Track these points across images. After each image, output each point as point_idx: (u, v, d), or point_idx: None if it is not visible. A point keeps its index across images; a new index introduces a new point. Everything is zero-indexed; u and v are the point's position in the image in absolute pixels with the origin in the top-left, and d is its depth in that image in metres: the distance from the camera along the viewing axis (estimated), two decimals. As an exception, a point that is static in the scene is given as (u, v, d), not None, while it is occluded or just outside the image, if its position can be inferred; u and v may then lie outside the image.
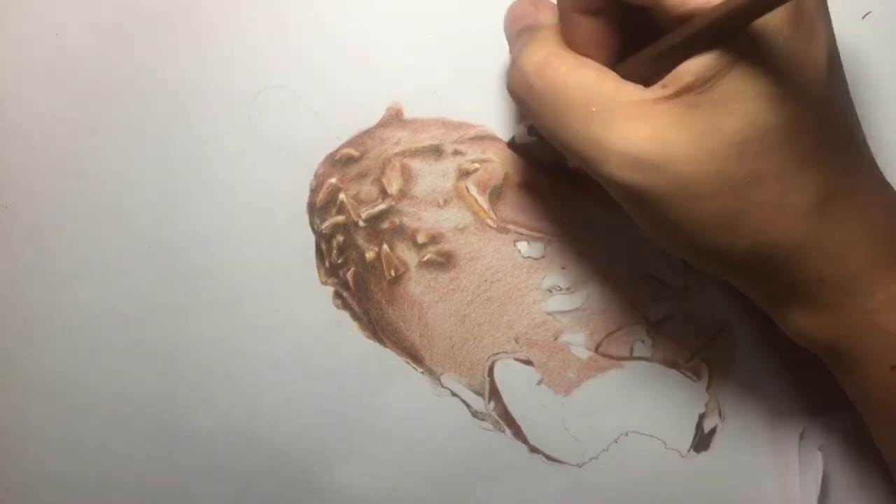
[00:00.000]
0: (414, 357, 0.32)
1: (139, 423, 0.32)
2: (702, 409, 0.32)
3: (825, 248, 0.24)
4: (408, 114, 0.32)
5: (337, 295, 0.32)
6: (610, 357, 0.32)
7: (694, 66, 0.22)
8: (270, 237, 0.32)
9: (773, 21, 0.22)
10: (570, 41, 0.25)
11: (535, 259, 0.32)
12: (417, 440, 0.32)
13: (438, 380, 0.32)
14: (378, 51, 0.31)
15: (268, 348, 0.32)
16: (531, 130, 0.30)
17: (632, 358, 0.32)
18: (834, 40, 0.24)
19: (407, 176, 0.32)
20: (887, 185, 0.26)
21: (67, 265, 0.32)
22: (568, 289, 0.32)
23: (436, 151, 0.32)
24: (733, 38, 0.22)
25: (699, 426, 0.32)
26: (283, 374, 0.32)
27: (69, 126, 0.32)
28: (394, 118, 0.32)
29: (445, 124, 0.32)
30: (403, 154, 0.32)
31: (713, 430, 0.32)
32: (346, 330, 0.32)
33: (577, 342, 0.32)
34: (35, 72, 0.32)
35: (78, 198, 0.32)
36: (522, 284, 0.32)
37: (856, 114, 0.25)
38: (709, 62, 0.22)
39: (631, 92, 0.23)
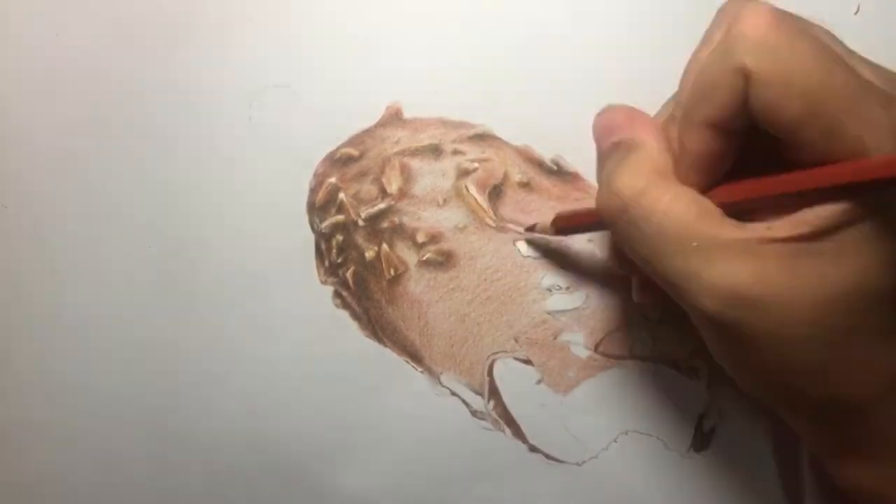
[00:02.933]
0: (413, 356, 0.32)
1: (139, 423, 0.32)
2: (701, 409, 0.32)
3: None
4: (407, 113, 0.32)
5: (336, 294, 0.32)
6: (609, 356, 0.32)
7: (817, 218, 0.21)
8: (270, 236, 0.32)
9: None
10: (685, 154, 0.24)
11: (535, 258, 0.32)
12: (417, 439, 0.32)
13: (438, 379, 0.32)
14: (378, 51, 0.32)
15: (268, 348, 0.32)
16: (560, 229, 0.30)
17: (631, 357, 0.32)
18: None
19: (406, 175, 0.32)
20: None
21: (67, 265, 0.32)
22: (567, 288, 0.32)
23: (435, 151, 0.32)
24: (868, 195, 0.21)
25: (699, 425, 0.32)
26: (283, 373, 0.32)
27: (69, 126, 0.32)
28: (393, 117, 0.32)
29: (445, 124, 0.32)
30: (403, 153, 0.32)
31: (713, 430, 0.32)
32: (346, 329, 0.32)
33: (577, 341, 0.32)
34: (35, 72, 0.32)
35: (78, 198, 0.32)
36: (522, 284, 0.32)
37: None
38: (833, 213, 0.21)
39: (734, 230, 0.22)
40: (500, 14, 0.32)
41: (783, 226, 0.22)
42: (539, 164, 0.32)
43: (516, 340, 0.32)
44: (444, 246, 0.32)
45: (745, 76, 0.21)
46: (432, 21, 0.32)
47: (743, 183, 0.23)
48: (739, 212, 0.23)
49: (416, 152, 0.32)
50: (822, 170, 0.21)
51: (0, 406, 0.33)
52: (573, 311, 0.32)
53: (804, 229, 0.22)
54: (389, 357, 0.32)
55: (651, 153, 0.24)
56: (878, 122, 0.21)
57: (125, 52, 0.32)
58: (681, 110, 0.24)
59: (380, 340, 0.32)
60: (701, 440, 0.32)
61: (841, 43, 0.23)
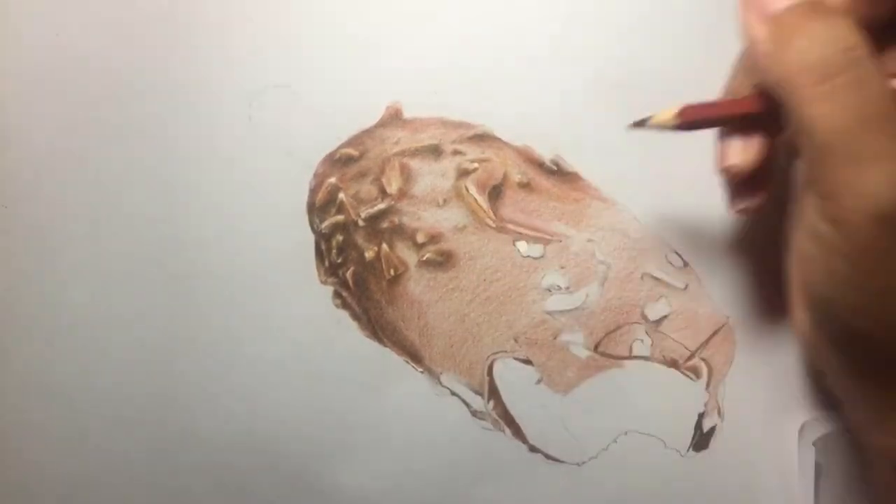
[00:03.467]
0: (413, 356, 0.32)
1: (139, 423, 0.32)
2: (701, 409, 0.32)
3: None
4: (407, 113, 0.32)
5: (336, 294, 0.32)
6: (609, 356, 0.32)
7: None
8: (270, 237, 0.32)
9: None
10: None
11: (535, 259, 0.32)
12: (417, 439, 0.32)
13: (438, 379, 0.32)
14: (378, 51, 0.32)
15: (267, 348, 0.32)
16: (688, 122, 0.27)
17: (631, 357, 0.32)
18: None
19: (406, 175, 0.32)
20: None
21: (67, 265, 0.32)
22: (567, 288, 0.32)
23: (435, 151, 0.32)
24: None
25: (698, 425, 0.32)
26: (283, 373, 0.32)
27: (69, 126, 0.32)
28: (393, 118, 0.32)
29: (445, 124, 0.32)
30: (403, 154, 0.32)
31: (712, 430, 0.32)
32: (346, 329, 0.32)
33: (577, 341, 0.32)
34: (35, 72, 0.32)
35: (78, 198, 0.32)
36: (522, 284, 0.32)
37: None
38: None
39: None
40: (500, 14, 0.32)
41: None
42: (539, 165, 0.32)
43: (516, 340, 0.32)
44: (444, 246, 0.32)
45: None
46: (432, 21, 0.32)
47: None
48: None
49: (416, 152, 0.32)
50: None
51: (0, 406, 0.33)
52: (573, 311, 0.32)
53: None
54: (389, 357, 0.32)
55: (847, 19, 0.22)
56: None
57: (125, 52, 0.32)
58: None
59: (380, 340, 0.32)
60: (701, 440, 0.32)
61: None
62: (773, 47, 0.23)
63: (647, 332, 0.32)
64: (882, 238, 0.21)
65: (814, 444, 0.31)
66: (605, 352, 0.32)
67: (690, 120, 0.26)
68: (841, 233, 0.22)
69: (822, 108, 0.21)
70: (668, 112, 0.27)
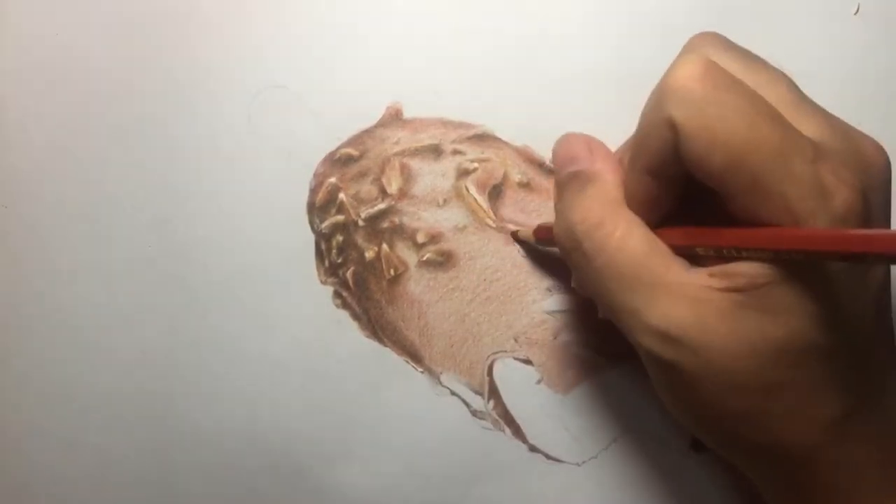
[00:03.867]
0: (413, 356, 0.32)
1: (139, 423, 0.32)
2: (701, 409, 0.32)
3: (840, 461, 0.24)
4: (407, 113, 0.32)
5: (336, 294, 0.32)
6: (609, 356, 0.32)
7: (748, 269, 0.22)
8: (270, 237, 0.32)
9: None
10: (629, 196, 0.25)
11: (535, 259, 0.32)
12: (417, 439, 0.32)
13: (438, 379, 0.32)
14: (378, 50, 0.32)
15: (267, 348, 0.32)
16: (540, 240, 0.30)
17: (631, 357, 0.32)
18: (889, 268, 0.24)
19: (406, 175, 0.32)
20: None
21: (67, 265, 0.32)
22: (567, 288, 0.32)
23: (435, 151, 0.32)
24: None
25: (699, 425, 0.32)
26: (283, 373, 0.32)
27: (69, 126, 0.32)
28: (393, 118, 0.32)
29: (445, 124, 0.32)
30: (403, 153, 0.32)
31: (712, 430, 0.32)
32: (346, 329, 0.32)
33: (577, 341, 0.32)
34: (35, 72, 0.32)
35: (78, 198, 0.32)
36: (522, 284, 0.32)
37: (893, 333, 0.25)
38: (763, 270, 0.22)
39: (679, 273, 0.23)
40: (500, 14, 0.32)
41: (722, 276, 0.23)
42: (539, 165, 0.32)
43: (516, 340, 0.32)
44: (444, 246, 0.32)
45: (673, 128, 0.22)
46: (432, 21, 0.32)
47: (687, 229, 0.24)
48: (688, 255, 0.24)
49: (416, 152, 0.32)
50: (749, 231, 0.22)
51: (0, 406, 0.33)
52: (573, 311, 0.32)
53: (739, 282, 0.22)
54: (389, 357, 0.32)
55: (606, 186, 0.25)
56: (801, 178, 0.21)
57: (125, 52, 0.32)
58: (627, 154, 0.25)
59: (380, 340, 0.32)
60: (701, 440, 0.32)
61: (791, 88, 0.24)
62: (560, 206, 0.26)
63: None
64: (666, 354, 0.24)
65: None
66: (606, 352, 0.32)
67: (542, 239, 0.30)
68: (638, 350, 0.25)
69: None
70: (529, 230, 0.31)
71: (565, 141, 0.27)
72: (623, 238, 0.24)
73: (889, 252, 0.19)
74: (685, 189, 0.24)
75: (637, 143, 0.24)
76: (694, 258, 0.24)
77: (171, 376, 0.32)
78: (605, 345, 0.32)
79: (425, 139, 0.32)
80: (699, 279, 0.23)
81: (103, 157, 0.32)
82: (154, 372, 0.32)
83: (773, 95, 0.23)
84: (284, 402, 0.32)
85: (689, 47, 0.25)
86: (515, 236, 0.32)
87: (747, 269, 0.22)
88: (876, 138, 0.28)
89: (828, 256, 0.21)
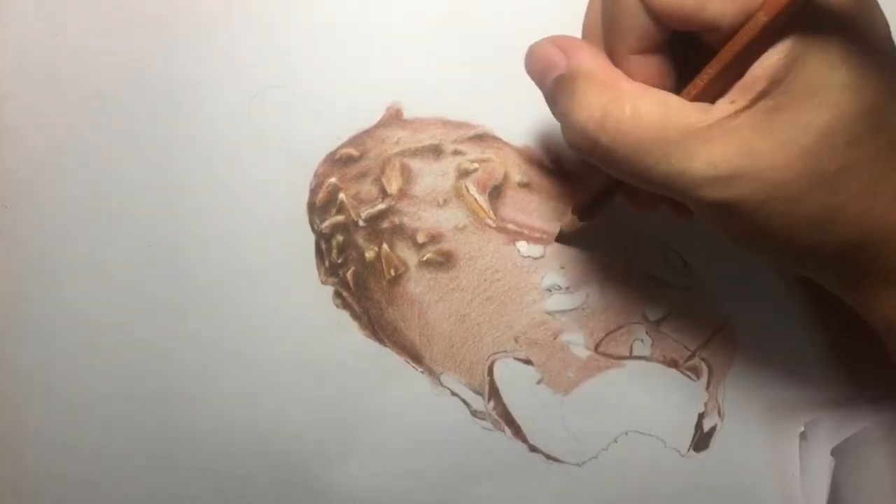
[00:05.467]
0: (414, 356, 0.32)
1: (139, 423, 0.32)
2: (701, 409, 0.32)
3: None
4: (408, 113, 0.32)
5: (337, 294, 0.32)
6: (609, 356, 0.32)
7: (764, 70, 0.22)
8: (270, 237, 0.32)
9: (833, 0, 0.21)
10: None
11: (535, 259, 0.32)
12: (417, 439, 0.32)
13: (438, 379, 0.32)
14: (378, 51, 0.32)
15: (268, 348, 0.32)
16: (582, 215, 0.30)
17: (631, 357, 0.32)
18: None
19: (407, 175, 0.32)
20: None
21: (67, 265, 0.32)
22: (567, 288, 0.32)
23: (435, 151, 0.32)
24: (797, 26, 0.21)
25: (699, 425, 0.32)
26: (283, 373, 0.32)
27: (69, 126, 0.32)
28: (393, 118, 0.32)
29: (445, 124, 0.32)
30: (403, 154, 0.32)
31: (713, 430, 0.32)
32: (346, 329, 0.32)
33: (577, 342, 0.32)
34: (35, 72, 0.32)
35: (78, 198, 0.32)
36: (522, 284, 0.32)
37: None
38: (779, 61, 0.21)
39: (703, 115, 0.23)
40: (500, 14, 0.32)
41: (742, 92, 0.22)
42: (539, 165, 0.32)
43: (516, 340, 0.32)
44: (444, 246, 0.32)
45: None
46: (432, 21, 0.32)
47: (693, 80, 0.23)
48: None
49: (416, 152, 0.32)
50: (746, 27, 0.21)
51: (0, 406, 0.32)
52: (573, 311, 0.32)
53: (762, 86, 0.22)
54: (389, 357, 0.32)
55: (595, 74, 0.24)
56: None
57: (125, 52, 0.32)
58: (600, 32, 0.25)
59: (380, 340, 0.32)
60: (701, 440, 0.32)
61: None
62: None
63: (647, 332, 0.32)
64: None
65: (832, 453, 0.31)
66: (606, 352, 0.32)
67: (586, 211, 0.30)
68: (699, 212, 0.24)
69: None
70: (568, 218, 0.31)
71: (532, 54, 0.26)
72: (635, 113, 0.23)
73: None
74: (675, 58, 0.24)
75: (609, 29, 0.24)
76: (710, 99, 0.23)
77: (170, 376, 0.32)
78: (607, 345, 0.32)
79: (425, 139, 0.32)
80: (724, 109, 0.22)
81: (103, 157, 0.32)
82: (154, 372, 0.32)
83: None
84: (284, 403, 0.32)
85: None
86: (561, 237, 0.31)
87: (763, 69, 0.22)
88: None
89: None
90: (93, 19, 0.32)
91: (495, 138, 0.32)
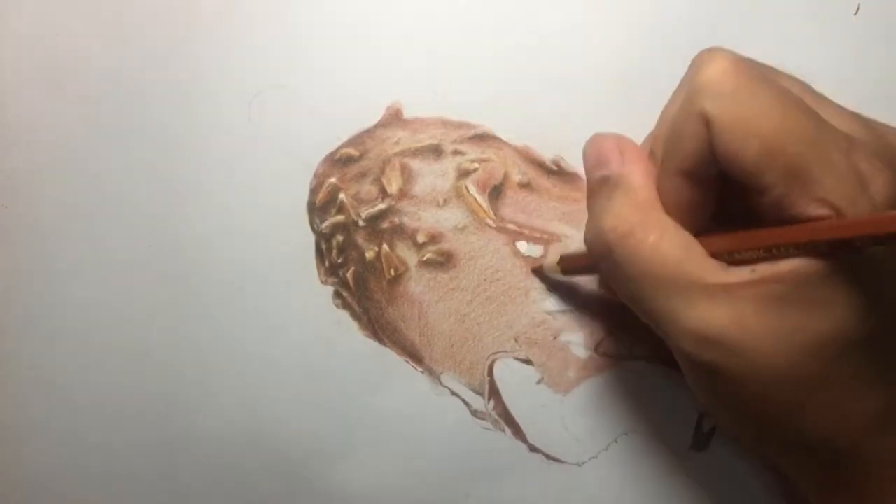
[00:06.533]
0: (414, 356, 0.32)
1: (139, 423, 0.32)
2: (701, 409, 0.32)
3: (884, 453, 0.24)
4: (408, 113, 0.32)
5: (337, 294, 0.32)
6: (609, 356, 0.32)
7: (787, 265, 0.22)
8: (270, 237, 0.32)
9: None
10: (665, 202, 0.24)
11: (535, 259, 0.32)
12: (417, 439, 0.32)
13: (438, 379, 0.32)
14: (378, 50, 0.32)
15: (268, 348, 0.32)
16: (566, 272, 0.30)
17: (631, 357, 0.32)
18: None
19: (407, 175, 0.32)
20: None
21: (67, 265, 0.32)
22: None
23: (435, 151, 0.32)
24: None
25: (699, 426, 0.32)
26: (283, 373, 0.32)
27: (69, 126, 0.32)
28: (394, 118, 0.32)
29: (445, 124, 0.32)
30: (403, 153, 0.32)
31: (713, 430, 0.32)
32: (346, 329, 0.32)
33: (577, 341, 0.32)
34: (35, 72, 0.32)
35: (78, 198, 0.32)
36: (522, 284, 0.32)
37: None
38: (803, 264, 0.22)
39: (716, 273, 0.23)
40: (500, 14, 0.32)
41: (762, 273, 0.22)
42: (539, 165, 0.32)
43: (516, 340, 0.32)
44: (444, 246, 0.32)
45: (707, 122, 0.22)
46: (432, 21, 0.32)
47: (724, 234, 0.23)
48: (725, 259, 0.23)
49: (416, 152, 0.32)
50: (787, 228, 0.22)
51: (0, 406, 0.33)
52: (573, 311, 0.32)
53: (780, 276, 0.22)
54: (389, 357, 0.32)
55: (637, 190, 0.25)
56: (838, 166, 0.21)
57: (125, 51, 0.32)
58: (658, 149, 0.25)
59: (380, 340, 0.32)
60: (701, 440, 0.32)
61: (811, 91, 0.24)
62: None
63: (647, 332, 0.32)
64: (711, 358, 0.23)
65: None
66: (606, 352, 0.32)
67: (568, 268, 0.30)
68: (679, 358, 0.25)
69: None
70: (553, 262, 0.31)
71: (594, 142, 0.26)
72: (656, 244, 0.23)
73: None
74: (720, 193, 0.24)
75: (669, 144, 0.24)
76: (729, 262, 0.23)
77: (171, 376, 0.32)
78: (607, 346, 0.32)
79: (425, 139, 0.32)
80: (738, 277, 0.23)
81: (103, 157, 0.32)
82: (154, 371, 0.32)
83: (797, 93, 0.23)
84: (285, 402, 0.32)
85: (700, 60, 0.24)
86: (538, 273, 0.32)
87: (787, 265, 0.22)
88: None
89: (869, 242, 0.20)
90: (93, 19, 0.32)
91: (495, 138, 0.32)
